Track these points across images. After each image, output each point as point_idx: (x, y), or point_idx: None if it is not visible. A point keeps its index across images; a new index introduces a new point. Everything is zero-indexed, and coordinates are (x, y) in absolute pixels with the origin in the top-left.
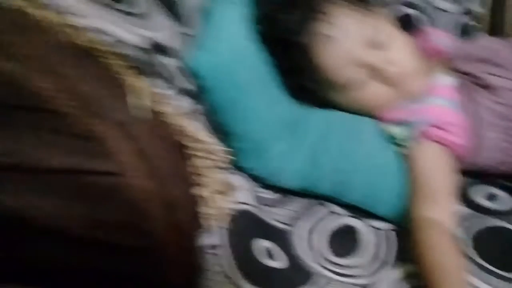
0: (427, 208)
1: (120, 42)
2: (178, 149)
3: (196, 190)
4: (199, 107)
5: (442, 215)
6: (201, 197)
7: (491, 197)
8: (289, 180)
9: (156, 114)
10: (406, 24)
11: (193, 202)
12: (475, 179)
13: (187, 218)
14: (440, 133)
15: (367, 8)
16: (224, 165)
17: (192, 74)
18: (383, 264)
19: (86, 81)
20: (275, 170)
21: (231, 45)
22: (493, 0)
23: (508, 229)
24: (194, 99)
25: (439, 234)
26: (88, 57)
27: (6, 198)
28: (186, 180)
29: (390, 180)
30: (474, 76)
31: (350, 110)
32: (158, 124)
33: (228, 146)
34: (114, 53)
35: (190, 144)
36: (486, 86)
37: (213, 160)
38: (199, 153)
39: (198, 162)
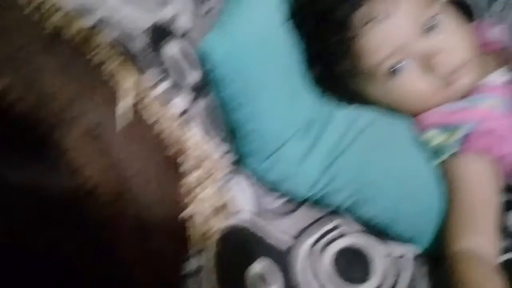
0: (468, 237)
1: (117, 25)
2: (167, 163)
3: (185, 211)
4: (203, 101)
5: (487, 245)
6: (191, 218)
7: None
8: (300, 188)
9: (147, 120)
10: (460, 10)
11: (179, 225)
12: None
13: (168, 244)
14: (487, 142)
15: None
16: (223, 174)
17: (202, 60)
18: None
19: (55, 75)
20: (286, 176)
21: (253, 27)
22: None
23: None
24: (198, 92)
25: (483, 270)
26: (65, 45)
27: None
28: (173, 200)
29: (421, 197)
30: None
31: (386, 105)
32: (145, 133)
33: (234, 145)
34: (104, 42)
35: (184, 158)
36: None
37: (210, 172)
38: (194, 167)
39: (193, 177)
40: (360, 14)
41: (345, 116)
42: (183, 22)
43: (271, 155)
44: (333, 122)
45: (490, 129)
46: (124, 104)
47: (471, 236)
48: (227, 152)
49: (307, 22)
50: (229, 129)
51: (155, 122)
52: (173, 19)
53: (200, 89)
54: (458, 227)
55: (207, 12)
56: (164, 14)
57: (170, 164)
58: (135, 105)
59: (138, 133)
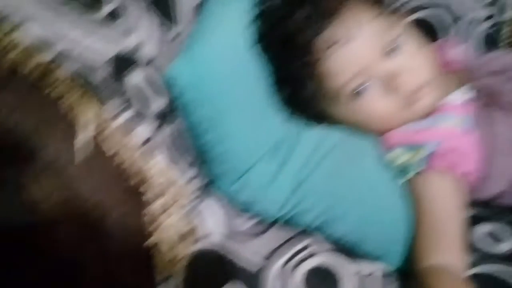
0: (436, 254)
1: (78, 57)
2: (129, 193)
3: (150, 239)
4: (168, 128)
5: (454, 261)
6: (156, 245)
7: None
8: (270, 209)
9: (107, 151)
10: (424, 30)
11: (144, 253)
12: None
13: (133, 272)
14: (450, 160)
15: (381, 8)
16: (189, 199)
17: (168, 85)
18: None
19: (12, 110)
20: (255, 197)
21: (220, 51)
22: None
23: None
24: (162, 119)
25: (453, 283)
26: (22, 80)
27: None
28: (137, 229)
29: (388, 216)
30: (493, 92)
31: (352, 125)
32: (105, 165)
33: (204, 168)
34: (63, 76)
35: (147, 186)
36: (503, 105)
37: (175, 199)
38: (158, 195)
39: (157, 204)
40: (323, 38)
41: (313, 137)
42: (148, 49)
43: (240, 177)
44: (301, 143)
45: (452, 148)
46: (83, 137)
47: (438, 253)
48: (194, 177)
49: (272, 46)
50: (198, 153)
51: (116, 153)
52: (137, 47)
53: (165, 116)
54: (425, 245)
55: (174, 38)
56: (128, 43)
57: (133, 194)
58: (95, 137)
59: (99, 164)
